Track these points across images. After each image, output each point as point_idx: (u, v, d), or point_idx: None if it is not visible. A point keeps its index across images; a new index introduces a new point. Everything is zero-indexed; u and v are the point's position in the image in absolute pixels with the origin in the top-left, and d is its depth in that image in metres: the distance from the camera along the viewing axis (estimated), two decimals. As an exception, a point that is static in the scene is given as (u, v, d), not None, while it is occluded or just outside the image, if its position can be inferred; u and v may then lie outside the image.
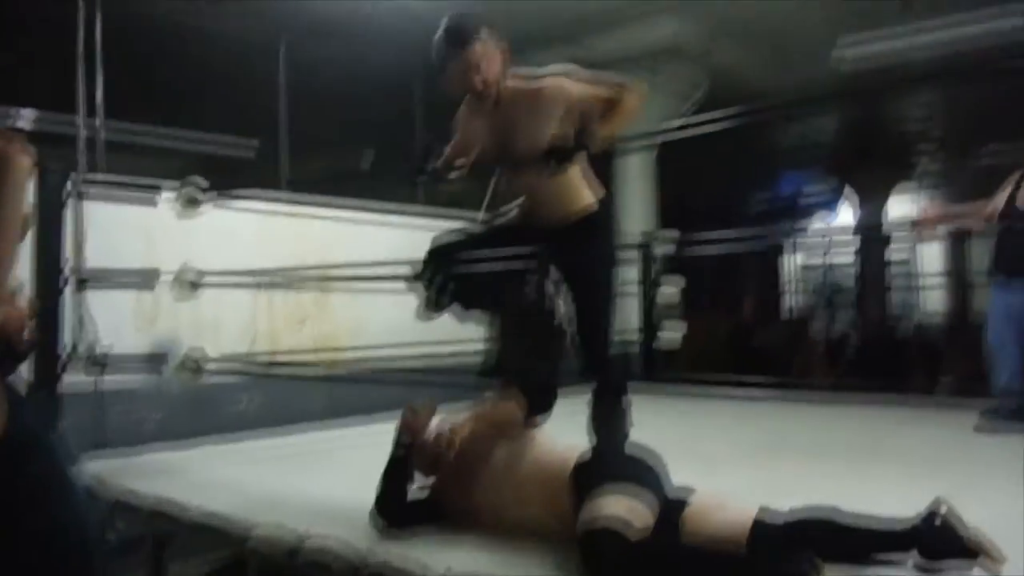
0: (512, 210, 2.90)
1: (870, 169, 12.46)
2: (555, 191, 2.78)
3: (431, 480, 2.52)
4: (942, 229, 4.65)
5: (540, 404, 2.54)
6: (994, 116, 9.89)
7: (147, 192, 3.89)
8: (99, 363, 3.96)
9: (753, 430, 4.56)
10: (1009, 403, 4.22)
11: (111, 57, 5.08)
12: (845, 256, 14.08)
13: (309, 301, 5.21)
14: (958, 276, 13.70)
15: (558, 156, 2.61)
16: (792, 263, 15.41)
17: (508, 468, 2.35)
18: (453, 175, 2.79)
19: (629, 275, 7.34)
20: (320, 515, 2.60)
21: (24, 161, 1.62)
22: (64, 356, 3.89)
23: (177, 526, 2.82)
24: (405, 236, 5.29)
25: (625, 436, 2.87)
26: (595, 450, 2.42)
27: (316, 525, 2.45)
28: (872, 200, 12.87)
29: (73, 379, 3.96)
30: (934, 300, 14.78)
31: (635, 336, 7.30)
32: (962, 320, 13.62)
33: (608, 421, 2.84)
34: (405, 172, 2.73)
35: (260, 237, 4.95)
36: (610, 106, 2.71)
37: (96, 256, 4.10)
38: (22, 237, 1.69)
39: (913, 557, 1.94)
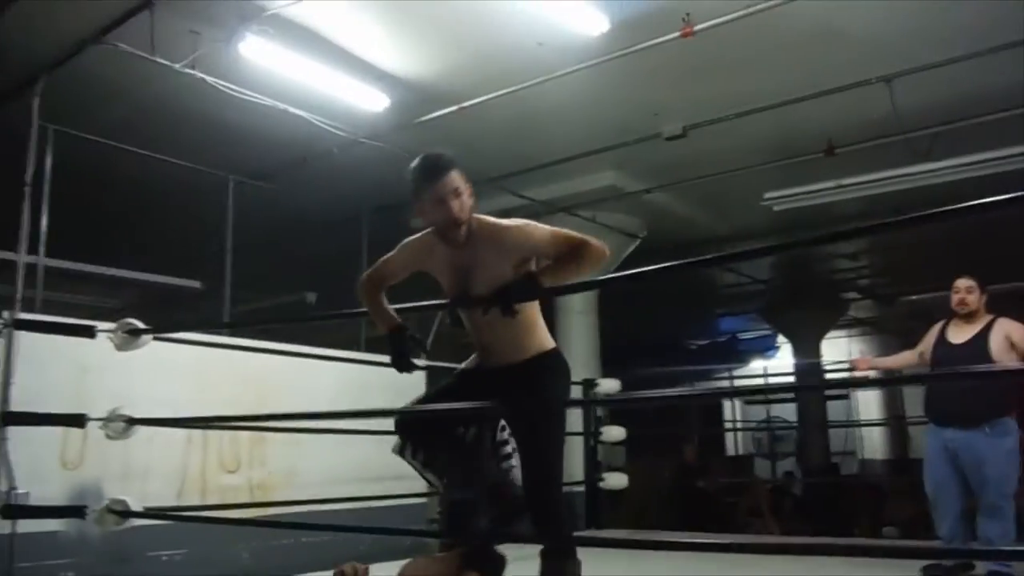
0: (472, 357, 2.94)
1: (802, 314, 12.85)
2: (515, 330, 2.75)
3: None
4: (874, 373, 4.80)
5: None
6: (918, 266, 10.40)
7: (82, 330, 3.82)
8: (12, 514, 3.76)
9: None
10: (947, 559, 4.29)
11: (63, 194, 5.11)
12: (786, 393, 14.31)
13: (244, 443, 5.07)
14: (896, 418, 14.00)
15: (516, 295, 2.57)
16: (734, 402, 15.60)
17: None
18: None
19: (573, 419, 7.37)
20: None
21: None
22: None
23: None
24: (346, 376, 5.27)
25: None
26: None
27: None
28: (806, 342, 13.21)
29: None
30: (875, 438, 15.03)
31: (579, 480, 7.25)
32: (903, 459, 13.84)
33: None
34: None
35: (199, 372, 4.86)
36: (569, 255, 2.75)
37: (27, 389, 3.97)
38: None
39: None
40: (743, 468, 13.47)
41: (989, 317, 4.38)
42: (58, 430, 4.10)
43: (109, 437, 3.60)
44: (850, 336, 15.07)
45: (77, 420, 3.75)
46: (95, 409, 3.72)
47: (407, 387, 5.70)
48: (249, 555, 4.88)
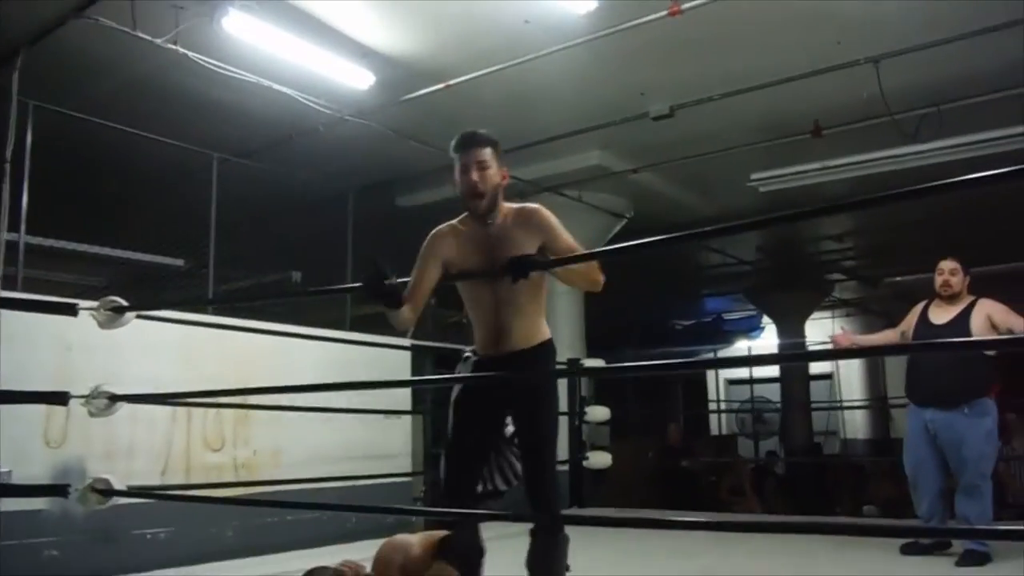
0: (468, 353, 2.97)
1: (787, 295, 12.92)
2: (531, 314, 2.90)
3: None
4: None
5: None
6: (902, 247, 10.47)
7: (64, 308, 3.79)
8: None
9: (682, 560, 4.51)
10: (925, 538, 4.36)
11: (45, 171, 5.06)
12: (770, 371, 14.40)
13: (229, 422, 5.06)
14: (878, 399, 14.14)
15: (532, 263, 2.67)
16: (718, 380, 15.68)
17: None
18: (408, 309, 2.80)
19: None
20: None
21: None
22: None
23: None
24: (331, 356, 5.26)
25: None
26: None
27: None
28: (790, 323, 13.29)
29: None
30: (857, 419, 15.17)
31: (564, 458, 7.29)
32: (884, 439, 13.99)
33: (546, 561, 2.80)
34: (366, 290, 2.63)
35: (183, 350, 4.85)
36: (588, 269, 2.94)
37: (10, 367, 3.95)
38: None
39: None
40: (727, 448, 13.56)
41: (971, 298, 4.43)
42: (41, 408, 4.09)
43: (92, 415, 3.57)
44: (834, 317, 15.16)
45: (60, 398, 3.72)
46: (78, 387, 3.69)
47: (392, 366, 5.72)
48: (233, 533, 4.89)
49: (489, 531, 2.99)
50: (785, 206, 7.73)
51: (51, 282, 6.80)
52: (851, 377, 15.03)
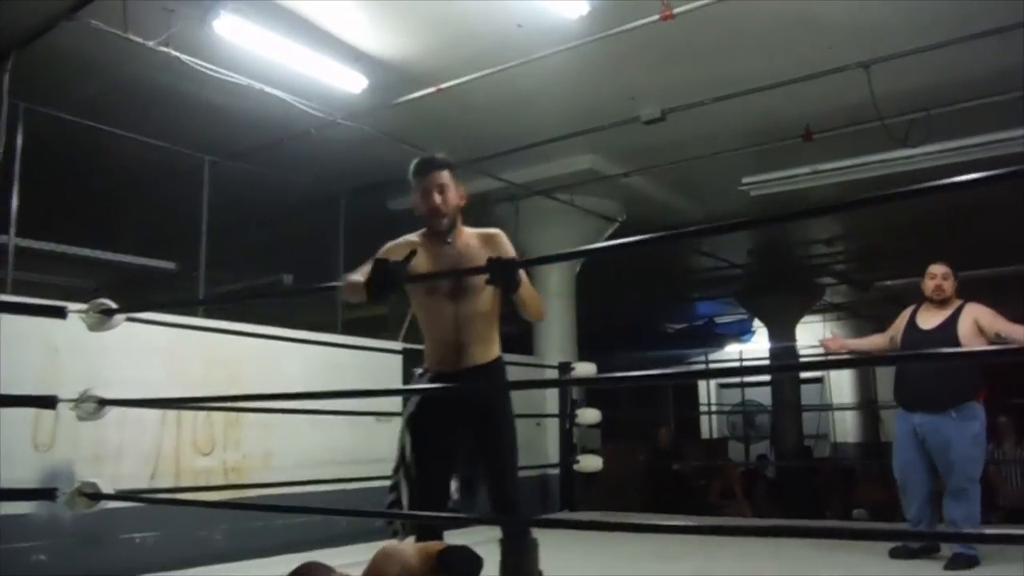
0: (422, 371, 2.99)
1: (778, 299, 12.96)
2: (488, 328, 2.98)
3: None
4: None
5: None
6: (892, 252, 10.52)
7: (52, 311, 3.77)
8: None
9: (670, 563, 4.51)
10: (913, 542, 4.37)
11: (35, 173, 5.04)
12: (760, 375, 14.45)
13: (218, 424, 5.05)
14: (868, 402, 14.19)
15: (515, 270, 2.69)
16: (708, 383, 15.73)
17: None
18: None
19: (551, 402, 7.42)
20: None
21: None
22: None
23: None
24: (321, 359, 5.25)
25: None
26: None
27: None
28: (781, 327, 13.33)
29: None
30: (848, 422, 15.23)
31: (555, 462, 7.30)
32: (875, 443, 14.03)
33: (519, 568, 2.85)
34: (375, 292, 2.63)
35: (172, 353, 4.83)
36: (532, 294, 2.93)
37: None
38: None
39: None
40: (717, 451, 13.58)
41: (959, 302, 4.45)
42: (29, 412, 4.06)
43: (80, 418, 3.56)
44: (825, 321, 15.22)
45: (48, 401, 3.71)
46: (67, 390, 3.68)
47: (382, 370, 5.71)
48: (223, 537, 4.88)
49: (479, 535, 2.99)
50: (776, 210, 7.76)
51: (41, 284, 6.78)
52: (841, 380, 15.10)
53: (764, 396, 14.24)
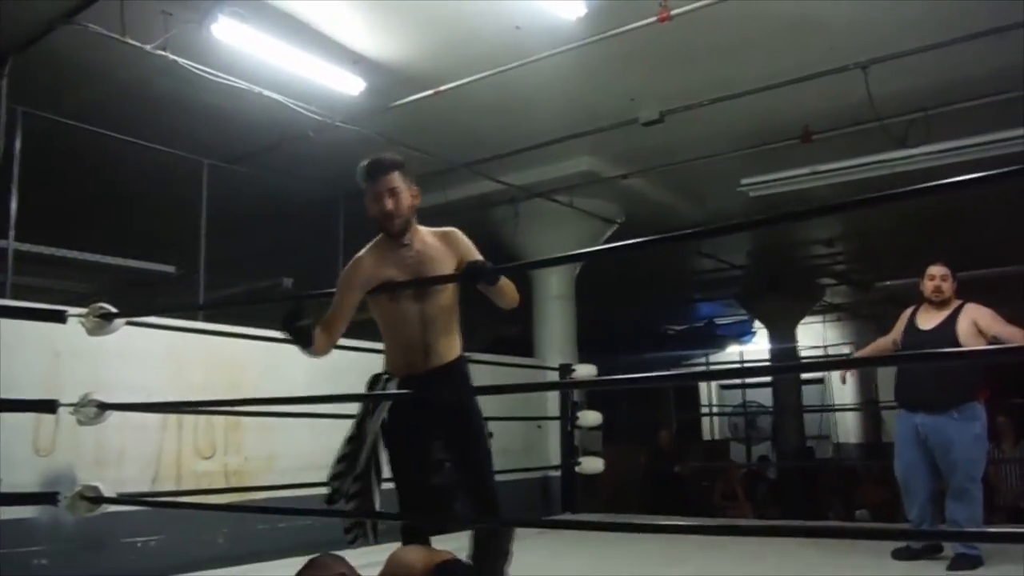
0: (387, 375, 2.98)
1: (778, 300, 12.96)
2: (451, 329, 2.99)
3: None
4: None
5: None
6: (893, 252, 10.52)
7: (52, 315, 3.78)
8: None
9: (673, 565, 4.51)
10: (916, 542, 4.37)
11: (34, 177, 5.04)
12: (759, 375, 14.46)
13: (219, 428, 5.04)
14: (869, 403, 14.18)
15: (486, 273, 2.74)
16: (710, 384, 15.73)
17: None
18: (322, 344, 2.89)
19: (552, 403, 7.42)
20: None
21: None
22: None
23: None
24: (320, 362, 5.24)
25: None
26: None
27: None
28: (782, 328, 13.33)
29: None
30: (849, 423, 15.22)
31: (556, 464, 7.30)
32: (876, 443, 14.02)
33: (489, 558, 2.89)
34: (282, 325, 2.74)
35: (172, 357, 4.83)
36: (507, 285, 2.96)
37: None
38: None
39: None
40: (719, 452, 13.57)
41: (958, 303, 4.45)
42: (30, 416, 4.06)
43: (81, 423, 3.56)
44: (825, 321, 15.22)
45: (49, 406, 3.71)
46: (67, 395, 3.68)
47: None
48: (224, 540, 4.87)
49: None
50: (775, 211, 7.75)
51: (41, 289, 6.78)
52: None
53: (765, 397, 14.24)
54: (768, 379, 13.91)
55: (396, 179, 2.87)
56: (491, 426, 6.44)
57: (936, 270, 4.47)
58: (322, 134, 6.31)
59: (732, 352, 15.94)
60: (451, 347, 3.00)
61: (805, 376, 14.19)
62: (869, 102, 5.54)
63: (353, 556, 2.70)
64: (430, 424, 2.95)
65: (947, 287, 4.44)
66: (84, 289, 7.26)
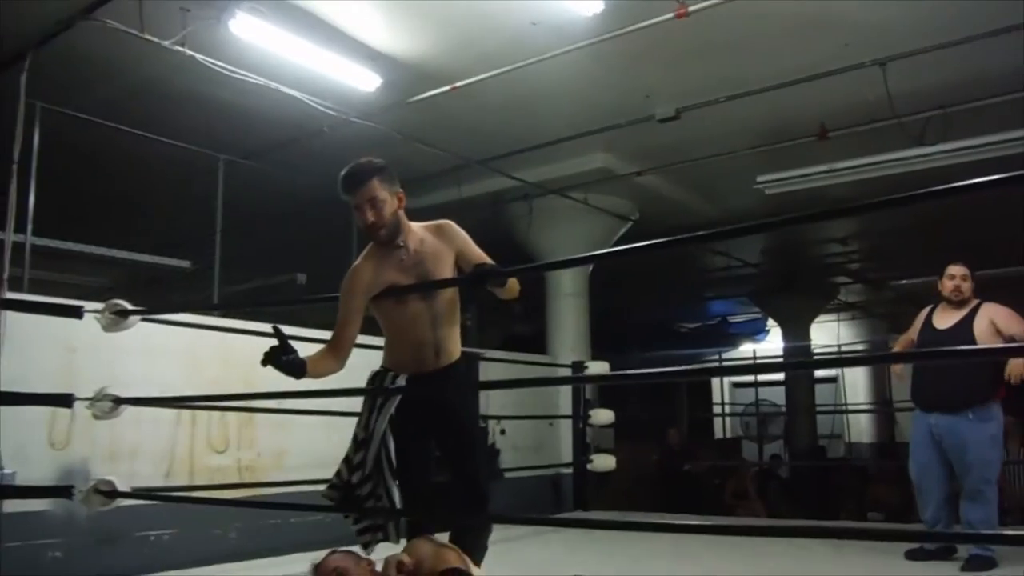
0: (394, 373, 2.97)
1: (792, 298, 12.89)
2: (455, 327, 3.00)
3: None
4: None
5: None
6: (908, 250, 10.44)
7: (69, 311, 3.80)
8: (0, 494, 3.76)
9: (684, 563, 4.50)
10: (930, 543, 4.33)
11: (52, 172, 5.07)
12: (774, 373, 14.39)
13: (232, 423, 5.06)
14: (882, 402, 14.11)
15: (493, 274, 2.73)
16: (722, 382, 15.67)
17: None
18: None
19: (564, 401, 7.42)
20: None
21: None
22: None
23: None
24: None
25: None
26: None
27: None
28: (796, 326, 13.26)
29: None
30: (862, 422, 15.14)
31: (568, 462, 7.30)
32: (889, 443, 13.95)
33: (474, 534, 2.93)
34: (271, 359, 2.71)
35: (187, 353, 4.85)
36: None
37: (14, 369, 3.96)
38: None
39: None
40: (731, 451, 13.53)
41: (975, 302, 4.41)
42: (46, 410, 4.09)
43: (96, 417, 3.58)
44: (840, 320, 15.14)
45: (64, 400, 3.73)
46: (82, 389, 3.70)
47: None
48: (237, 535, 4.89)
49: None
50: (791, 209, 7.65)
51: (56, 283, 6.82)
52: (856, 380, 15.00)
53: (778, 396, 14.18)
54: (781, 378, 13.84)
55: (375, 188, 2.80)
56: (504, 423, 6.52)
57: (956, 269, 4.43)
58: (337, 130, 6.32)
59: (745, 350, 15.87)
60: (457, 343, 3.02)
61: (818, 375, 14.12)
62: (887, 99, 5.50)
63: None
64: (438, 422, 2.96)
65: (966, 287, 4.40)
66: (99, 284, 7.31)
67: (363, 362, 3.02)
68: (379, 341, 3.05)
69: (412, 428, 2.93)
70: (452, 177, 7.27)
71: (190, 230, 6.76)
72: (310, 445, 5.31)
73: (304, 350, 2.77)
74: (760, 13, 5.05)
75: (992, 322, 4.28)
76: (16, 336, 4.03)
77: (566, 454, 7.35)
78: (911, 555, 4.35)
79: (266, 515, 5.02)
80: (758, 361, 14.86)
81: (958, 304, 4.41)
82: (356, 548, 2.82)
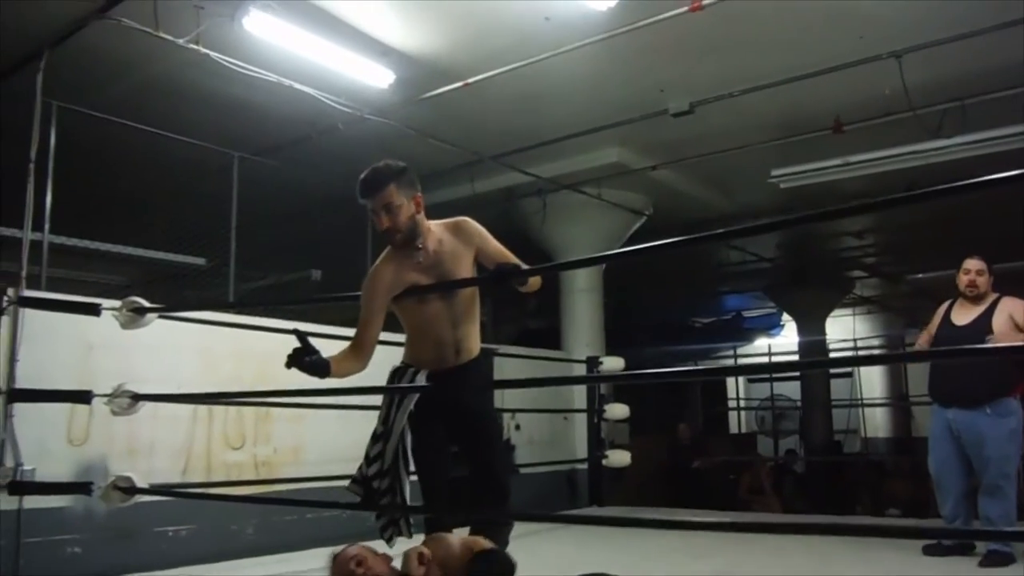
0: (415, 368, 2.99)
1: (807, 293, 12.82)
2: (476, 325, 3.04)
3: None
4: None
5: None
6: (924, 244, 10.36)
7: (87, 308, 3.83)
8: (19, 490, 3.80)
9: (700, 560, 4.49)
10: (949, 539, 4.31)
11: (68, 171, 5.10)
12: (789, 370, 14.33)
13: (249, 419, 5.09)
14: (899, 397, 14.02)
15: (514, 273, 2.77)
16: (738, 380, 15.60)
17: None
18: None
19: (579, 396, 7.42)
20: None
21: None
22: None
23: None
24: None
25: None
26: None
27: None
28: (811, 321, 13.19)
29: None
30: (878, 417, 15.05)
31: (583, 457, 7.29)
32: (906, 438, 13.87)
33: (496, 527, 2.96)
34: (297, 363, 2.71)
35: (203, 350, 4.88)
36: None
37: (33, 366, 4.00)
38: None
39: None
40: (746, 446, 13.49)
41: (994, 296, 4.38)
42: (64, 407, 4.12)
43: (115, 413, 3.62)
44: (855, 314, 15.04)
45: (83, 397, 3.77)
46: (100, 386, 3.73)
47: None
48: (253, 531, 4.93)
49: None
50: (806, 202, 7.68)
51: (74, 281, 6.87)
52: (872, 375, 14.91)
53: (793, 390, 14.11)
54: (796, 372, 13.78)
55: (391, 193, 2.81)
56: (519, 418, 6.51)
57: (972, 264, 4.39)
58: (351, 127, 6.33)
59: (760, 345, 15.80)
60: (477, 340, 3.05)
61: (833, 369, 14.04)
62: (903, 92, 5.45)
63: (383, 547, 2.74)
64: (457, 418, 2.98)
65: (983, 281, 4.36)
66: (116, 282, 7.35)
67: (383, 358, 3.03)
68: (398, 338, 3.07)
69: (431, 424, 2.95)
70: (465, 173, 7.28)
71: (205, 227, 6.78)
72: (326, 441, 5.34)
73: (320, 346, 2.78)
74: (774, 6, 5.02)
75: (1011, 317, 4.25)
76: (35, 334, 4.06)
77: (581, 449, 7.35)
78: (929, 551, 4.32)
79: (283, 511, 5.05)
80: (773, 359, 14.80)
81: (975, 299, 4.38)
82: (371, 543, 2.84)
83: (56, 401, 3.98)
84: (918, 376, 11.23)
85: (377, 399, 3.06)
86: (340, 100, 5.86)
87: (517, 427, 6.90)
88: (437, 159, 7.06)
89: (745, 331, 15.81)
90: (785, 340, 15.19)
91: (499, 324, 9.54)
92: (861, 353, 14.16)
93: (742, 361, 15.26)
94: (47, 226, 4.93)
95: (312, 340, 2.74)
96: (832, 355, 13.23)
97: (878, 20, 5.24)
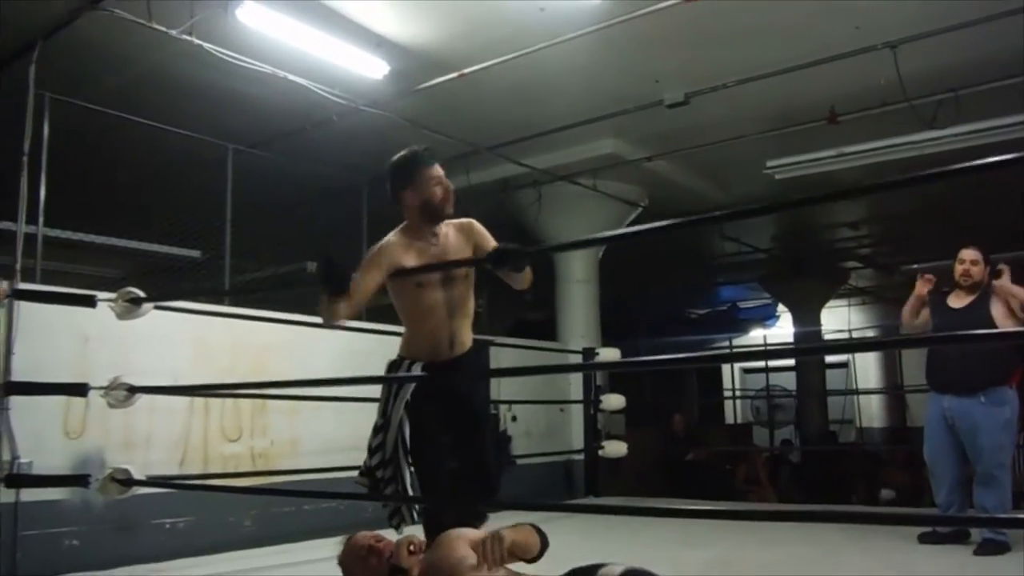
0: (410, 360, 3.02)
1: (803, 284, 12.85)
2: (470, 313, 3.09)
3: None
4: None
5: None
6: (919, 235, 10.39)
7: (82, 300, 3.82)
8: (15, 483, 3.79)
9: (696, 549, 4.51)
10: (944, 527, 4.33)
11: (62, 163, 5.08)
12: (785, 359, 14.35)
13: (245, 411, 5.09)
14: (894, 387, 14.06)
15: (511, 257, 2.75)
16: (733, 368, 15.64)
17: None
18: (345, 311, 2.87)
19: (575, 387, 7.43)
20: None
21: None
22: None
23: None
24: (346, 346, 5.27)
25: None
26: None
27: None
28: (806, 311, 13.22)
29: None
30: (874, 407, 15.09)
31: (579, 448, 7.31)
32: (901, 428, 13.92)
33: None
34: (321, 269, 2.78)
35: (199, 341, 4.87)
36: None
37: (29, 358, 3.99)
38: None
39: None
40: (742, 437, 13.52)
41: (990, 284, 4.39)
42: (60, 399, 4.12)
43: (111, 406, 3.61)
44: (850, 305, 15.08)
45: (79, 389, 3.77)
46: (97, 378, 3.73)
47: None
48: (251, 523, 4.93)
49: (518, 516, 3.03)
50: (801, 193, 7.65)
51: (67, 273, 6.85)
52: (867, 365, 14.96)
53: (789, 381, 14.15)
54: (791, 363, 13.81)
55: (441, 170, 3.03)
56: (516, 409, 6.53)
57: (967, 254, 4.41)
58: (346, 118, 6.31)
59: (756, 336, 15.83)
60: (470, 334, 3.11)
61: (829, 360, 14.07)
62: (898, 82, 5.45)
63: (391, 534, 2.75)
64: (451, 409, 3.01)
65: (976, 271, 4.38)
66: (111, 275, 7.33)
67: (375, 349, 3.04)
68: (396, 328, 3.09)
69: (426, 414, 2.98)
70: (461, 164, 7.25)
71: (200, 220, 6.77)
72: (323, 433, 5.34)
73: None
74: (770, -4, 5.02)
75: (1008, 304, 4.26)
76: (30, 326, 4.05)
77: (577, 440, 7.37)
78: (924, 538, 4.35)
79: (280, 502, 5.05)
80: (768, 347, 14.83)
81: (970, 288, 4.39)
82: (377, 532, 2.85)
83: (52, 394, 3.97)
84: (913, 365, 11.27)
85: (373, 391, 3.08)
86: (334, 91, 5.84)
87: (514, 418, 6.90)
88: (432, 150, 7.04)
89: (740, 322, 15.85)
90: (780, 331, 15.22)
91: (495, 316, 9.55)
92: (854, 340, 14.19)
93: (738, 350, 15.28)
94: (41, 219, 4.91)
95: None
96: (826, 343, 13.20)
97: (873, 10, 5.24)
